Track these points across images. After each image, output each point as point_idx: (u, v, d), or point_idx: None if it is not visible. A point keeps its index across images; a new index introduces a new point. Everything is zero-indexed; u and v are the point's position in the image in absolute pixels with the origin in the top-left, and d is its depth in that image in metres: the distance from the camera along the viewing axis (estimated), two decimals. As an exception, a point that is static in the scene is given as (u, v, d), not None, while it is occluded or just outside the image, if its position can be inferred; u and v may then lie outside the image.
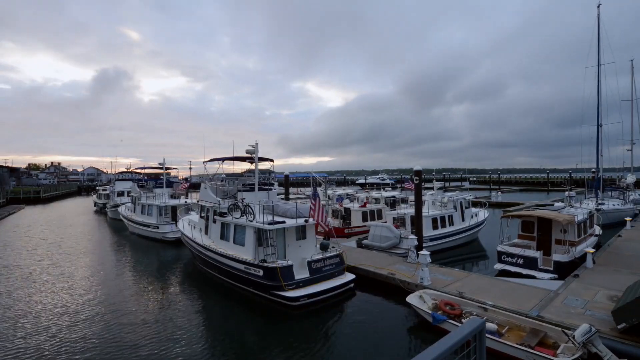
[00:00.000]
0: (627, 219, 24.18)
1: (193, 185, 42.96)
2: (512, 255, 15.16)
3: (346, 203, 27.09)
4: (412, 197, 22.72)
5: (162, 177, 33.81)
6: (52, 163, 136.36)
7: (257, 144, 16.92)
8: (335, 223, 24.67)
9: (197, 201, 19.56)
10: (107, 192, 46.32)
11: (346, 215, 24.88)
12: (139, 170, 44.03)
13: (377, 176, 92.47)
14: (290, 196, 30.95)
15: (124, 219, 30.67)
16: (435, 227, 19.98)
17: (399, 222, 20.88)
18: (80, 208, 51.25)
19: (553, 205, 25.18)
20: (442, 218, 20.61)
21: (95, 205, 48.84)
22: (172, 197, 28.95)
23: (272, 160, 18.81)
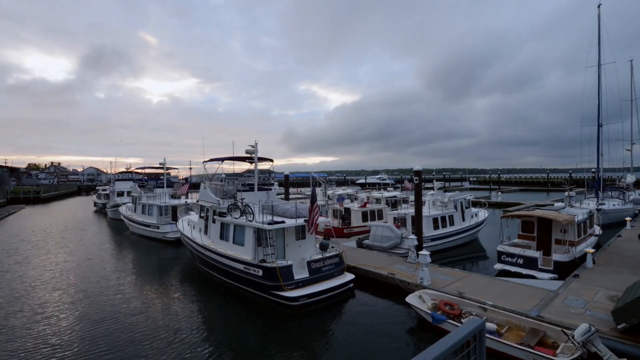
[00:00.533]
0: (627, 219, 24.18)
1: (193, 185, 42.95)
2: (512, 255, 15.15)
3: (346, 203, 27.09)
4: (412, 197, 22.72)
5: (162, 177, 33.84)
6: (52, 163, 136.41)
7: (256, 144, 16.92)
8: (335, 223, 24.67)
9: (197, 201, 19.56)
10: (107, 192, 46.36)
11: (346, 215, 24.87)
12: (139, 170, 44.07)
13: (377, 176, 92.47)
14: (290, 196, 30.95)
15: (124, 219, 30.67)
16: (435, 227, 19.97)
17: (400, 222, 20.87)
18: (80, 208, 51.25)
19: (553, 205, 25.17)
20: (443, 218, 20.60)
21: (95, 205, 48.84)
22: (173, 197, 28.97)
23: (271, 160, 18.83)
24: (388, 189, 40.24)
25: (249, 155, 17.05)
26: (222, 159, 18.15)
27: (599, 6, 30.34)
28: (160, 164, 31.51)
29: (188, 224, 19.44)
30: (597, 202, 28.28)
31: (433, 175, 41.31)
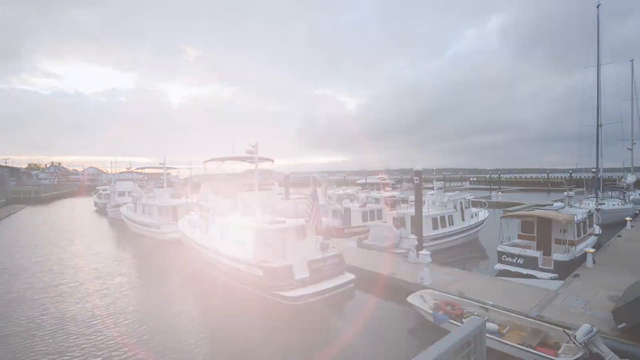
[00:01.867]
0: (628, 218, 24.15)
1: (193, 185, 42.92)
2: (512, 255, 15.15)
3: (346, 203, 27.10)
4: (412, 197, 22.71)
5: (162, 177, 33.87)
6: (52, 163, 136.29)
7: (256, 144, 16.90)
8: (336, 223, 24.67)
9: (197, 201, 19.56)
10: (108, 192, 46.36)
11: (346, 215, 24.87)
12: (139, 170, 44.09)
13: (377, 176, 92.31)
14: (290, 196, 30.89)
15: (124, 219, 30.68)
16: (435, 227, 19.97)
17: (399, 222, 20.88)
18: (80, 208, 51.24)
19: (552, 205, 25.16)
20: (442, 218, 20.60)
21: (95, 205, 48.83)
22: (173, 197, 28.99)
23: (272, 160, 18.82)
24: (387, 188, 40.21)
25: (249, 155, 17.04)
26: (223, 159, 18.16)
27: (598, 6, 30.33)
28: (160, 164, 31.52)
29: (188, 224, 19.45)
30: (597, 202, 28.27)
31: (433, 175, 41.27)
